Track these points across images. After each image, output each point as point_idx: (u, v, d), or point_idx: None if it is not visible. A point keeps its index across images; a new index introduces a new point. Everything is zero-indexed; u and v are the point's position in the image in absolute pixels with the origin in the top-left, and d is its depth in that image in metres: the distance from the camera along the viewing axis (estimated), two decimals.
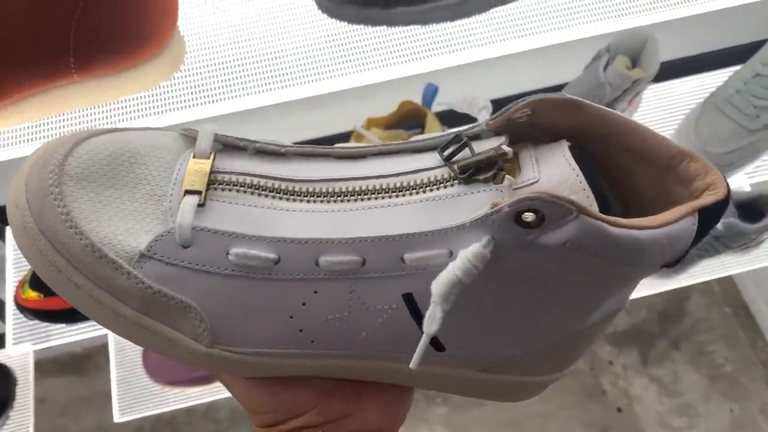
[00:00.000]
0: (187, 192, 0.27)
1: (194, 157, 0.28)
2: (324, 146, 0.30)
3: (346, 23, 0.54)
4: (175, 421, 1.34)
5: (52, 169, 0.27)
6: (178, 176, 0.28)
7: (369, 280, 0.27)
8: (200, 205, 0.27)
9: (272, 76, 0.55)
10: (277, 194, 0.28)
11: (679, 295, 1.45)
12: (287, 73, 0.55)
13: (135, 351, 1.04)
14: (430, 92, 0.76)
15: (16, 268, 0.84)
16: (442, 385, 0.33)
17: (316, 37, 0.56)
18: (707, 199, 0.25)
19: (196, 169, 0.28)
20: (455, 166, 0.27)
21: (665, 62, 0.82)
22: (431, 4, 0.50)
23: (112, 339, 1.06)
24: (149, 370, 1.00)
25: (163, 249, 0.27)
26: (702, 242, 1.09)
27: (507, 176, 0.27)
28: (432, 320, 0.25)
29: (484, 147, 0.27)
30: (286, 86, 0.54)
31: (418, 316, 0.27)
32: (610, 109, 0.27)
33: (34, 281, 0.75)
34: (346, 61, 0.56)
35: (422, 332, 0.26)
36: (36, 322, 0.79)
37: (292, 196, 0.28)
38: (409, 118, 0.77)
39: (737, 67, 0.85)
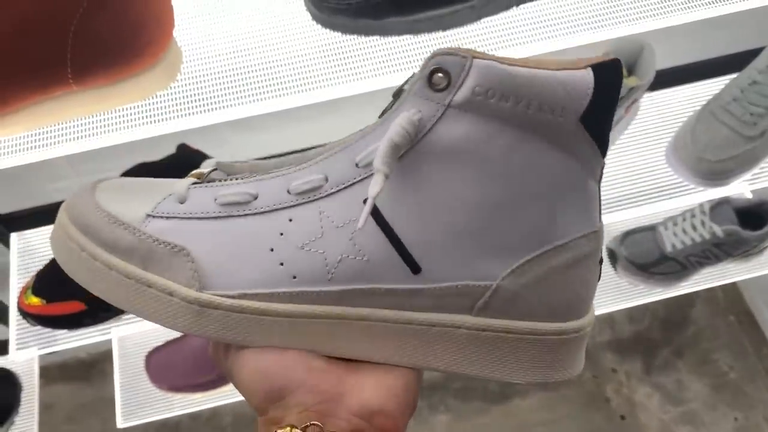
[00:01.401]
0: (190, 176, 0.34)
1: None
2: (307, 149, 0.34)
3: (339, 33, 0.55)
4: (179, 426, 1.35)
5: (87, 188, 0.34)
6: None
7: (332, 196, 0.30)
8: (197, 183, 0.33)
9: (267, 86, 0.56)
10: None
11: (682, 303, 1.45)
12: (282, 83, 0.56)
13: (139, 357, 1.05)
14: None
15: (20, 274, 0.85)
16: (443, 354, 0.31)
17: (310, 47, 0.57)
18: (597, 59, 0.29)
19: (196, 172, 0.35)
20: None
21: (662, 71, 0.82)
22: (421, 14, 0.51)
23: (116, 345, 1.07)
24: (152, 376, 1.01)
25: (165, 207, 0.32)
26: (703, 249, 1.09)
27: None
28: (375, 184, 0.28)
29: None
30: (281, 95, 0.55)
31: (378, 219, 0.30)
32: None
33: (37, 287, 0.76)
34: (341, 70, 0.57)
35: (390, 242, 0.29)
36: (39, 327, 0.80)
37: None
38: None
39: (734, 76, 0.85)
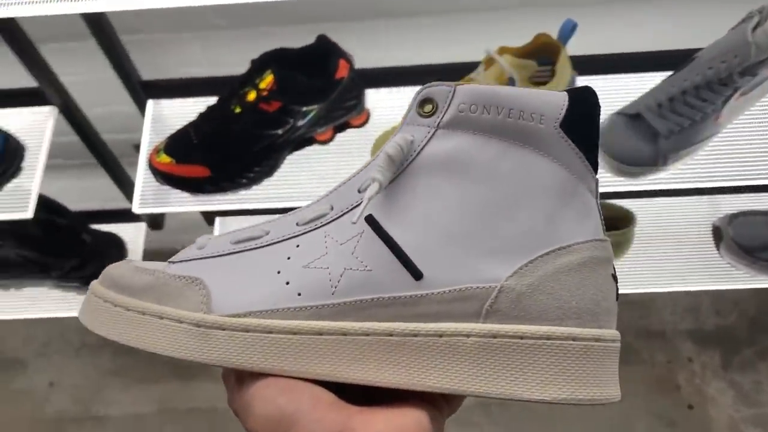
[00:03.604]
0: None
1: None
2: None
3: None
4: None
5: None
6: None
7: (337, 220, 0.33)
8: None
9: None
10: None
11: None
12: None
13: None
14: (568, 28, 0.77)
15: (152, 139, 0.90)
16: (454, 370, 0.30)
17: None
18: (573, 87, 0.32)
19: None
20: None
21: None
22: None
23: None
24: None
25: (185, 254, 0.35)
26: None
27: None
28: (370, 189, 0.31)
29: None
30: None
31: (378, 231, 0.32)
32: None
33: (169, 147, 0.81)
34: None
35: (390, 250, 0.31)
36: (165, 188, 0.85)
37: None
38: (542, 51, 0.78)
39: None
